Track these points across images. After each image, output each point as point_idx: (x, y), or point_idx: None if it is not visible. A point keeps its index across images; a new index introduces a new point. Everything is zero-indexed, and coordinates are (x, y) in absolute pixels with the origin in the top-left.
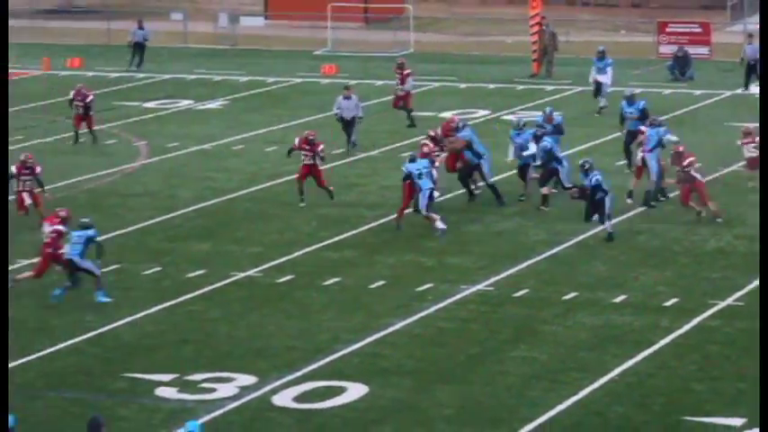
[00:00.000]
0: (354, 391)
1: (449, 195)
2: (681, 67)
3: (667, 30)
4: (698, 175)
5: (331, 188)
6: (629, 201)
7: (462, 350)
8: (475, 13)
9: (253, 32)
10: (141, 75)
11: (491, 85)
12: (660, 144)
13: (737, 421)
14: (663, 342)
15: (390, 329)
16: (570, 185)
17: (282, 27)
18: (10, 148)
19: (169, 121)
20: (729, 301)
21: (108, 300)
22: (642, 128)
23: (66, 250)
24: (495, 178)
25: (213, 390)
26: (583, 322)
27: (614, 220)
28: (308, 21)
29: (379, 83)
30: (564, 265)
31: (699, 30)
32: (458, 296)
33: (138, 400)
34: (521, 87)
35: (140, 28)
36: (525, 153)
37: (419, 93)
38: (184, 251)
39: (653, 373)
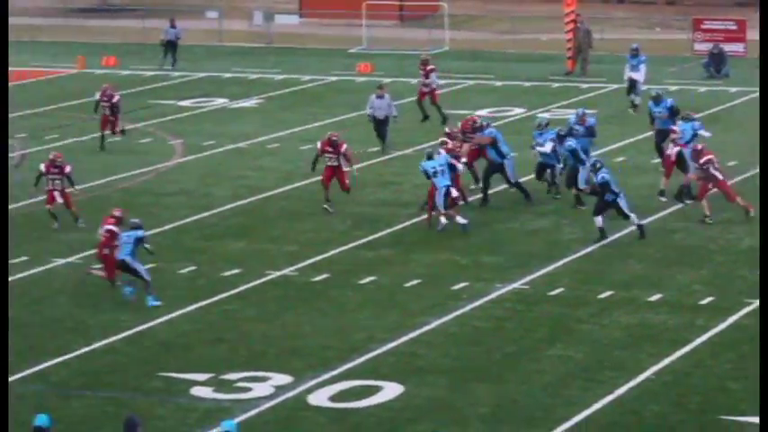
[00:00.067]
0: (390, 390)
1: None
2: (716, 64)
3: (702, 27)
4: (718, 174)
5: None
6: (662, 199)
7: (498, 349)
8: (510, 11)
9: (288, 30)
10: (176, 73)
11: (526, 83)
12: (695, 138)
13: None
14: (698, 341)
15: (426, 328)
16: (584, 187)
17: (317, 25)
18: (45, 146)
19: (204, 120)
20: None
21: (158, 303)
22: (674, 127)
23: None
24: (526, 178)
25: (248, 389)
26: (618, 321)
27: (649, 218)
28: (342, 19)
29: (414, 81)
30: (599, 264)
31: (734, 27)
32: (493, 295)
33: (173, 400)
34: (556, 85)
35: (172, 26)
36: (539, 150)
37: (454, 91)
38: (220, 250)
39: (689, 371)
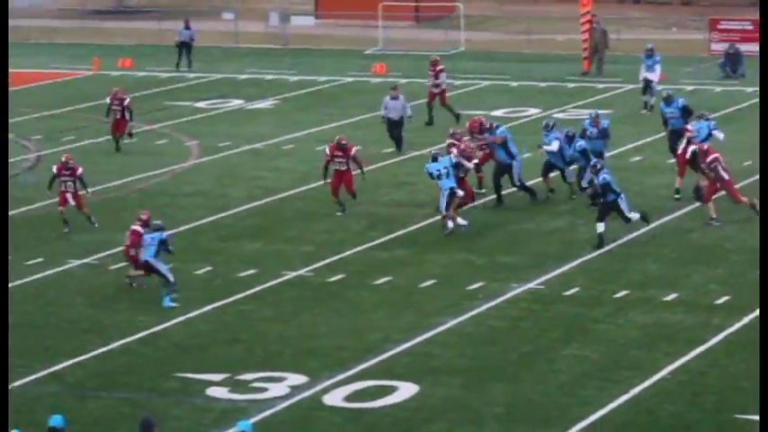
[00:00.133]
0: (405, 390)
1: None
2: (732, 64)
3: (719, 27)
4: (724, 174)
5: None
6: (676, 196)
7: (513, 349)
8: (525, 12)
9: (303, 32)
10: (192, 75)
11: (542, 84)
12: (710, 137)
13: None
14: (715, 340)
15: (441, 328)
16: (587, 186)
17: (333, 26)
18: (62, 148)
19: (220, 121)
20: None
21: (174, 305)
22: (688, 126)
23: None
24: (534, 180)
25: (264, 389)
26: (634, 320)
27: (665, 218)
28: (358, 20)
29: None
30: (615, 264)
31: (750, 27)
32: (509, 294)
33: (189, 400)
34: (572, 85)
35: (187, 28)
36: (546, 148)
37: (469, 91)
38: (236, 251)
39: (704, 371)
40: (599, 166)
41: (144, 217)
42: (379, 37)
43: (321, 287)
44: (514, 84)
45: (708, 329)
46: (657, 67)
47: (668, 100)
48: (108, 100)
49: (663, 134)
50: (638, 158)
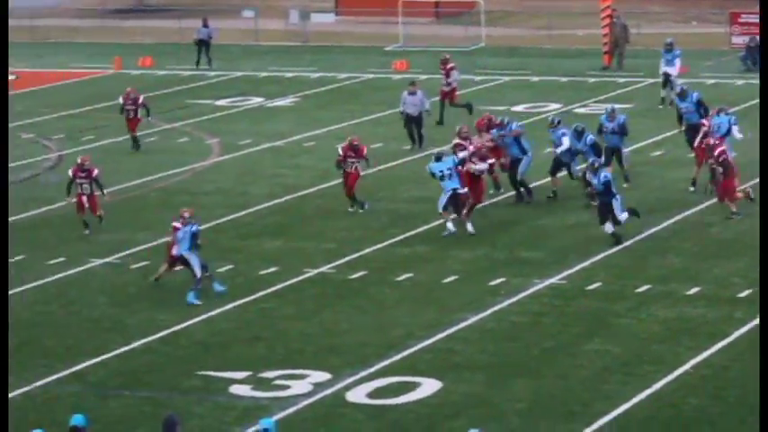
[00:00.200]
0: (428, 386)
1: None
2: (753, 57)
3: (740, 20)
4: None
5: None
6: (691, 189)
7: (535, 344)
8: (546, 7)
9: (323, 29)
10: (213, 73)
11: (563, 79)
12: (729, 132)
13: None
14: (737, 334)
15: (463, 324)
16: (589, 189)
17: (353, 23)
18: (82, 147)
19: (241, 119)
20: None
21: (197, 302)
22: (704, 121)
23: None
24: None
25: (287, 387)
26: (656, 315)
27: (686, 212)
28: (378, 16)
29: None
30: (636, 258)
31: None
32: (531, 290)
33: (211, 398)
34: (592, 80)
35: (205, 26)
36: (558, 149)
37: (490, 87)
38: (257, 248)
39: (727, 365)
40: (596, 165)
41: (186, 215)
42: (400, 33)
43: (342, 284)
44: (535, 79)
45: (730, 323)
46: (677, 62)
47: (682, 95)
48: (120, 100)
49: (683, 128)
50: (658, 153)
